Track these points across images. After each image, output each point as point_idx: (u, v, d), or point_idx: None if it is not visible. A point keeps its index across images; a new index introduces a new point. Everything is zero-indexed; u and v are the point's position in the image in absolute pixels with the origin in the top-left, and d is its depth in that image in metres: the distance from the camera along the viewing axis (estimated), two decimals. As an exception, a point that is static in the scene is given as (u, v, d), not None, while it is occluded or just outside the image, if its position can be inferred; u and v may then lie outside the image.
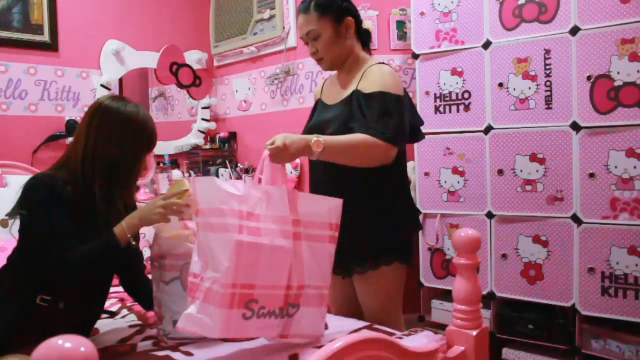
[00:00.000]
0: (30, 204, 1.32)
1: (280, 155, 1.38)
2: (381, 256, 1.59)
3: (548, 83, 2.07)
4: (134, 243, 1.38)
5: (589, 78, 1.97)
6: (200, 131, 3.45)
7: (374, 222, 1.59)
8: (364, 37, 1.70)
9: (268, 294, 1.21)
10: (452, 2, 2.30)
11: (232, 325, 1.16)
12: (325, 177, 1.62)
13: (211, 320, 1.15)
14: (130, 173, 1.45)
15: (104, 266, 1.40)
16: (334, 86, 1.72)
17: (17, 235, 1.40)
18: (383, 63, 1.64)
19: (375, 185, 1.58)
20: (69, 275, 1.30)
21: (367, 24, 2.78)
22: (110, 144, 1.39)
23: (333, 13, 1.59)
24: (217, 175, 3.26)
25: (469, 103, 2.28)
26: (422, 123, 1.74)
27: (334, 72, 1.75)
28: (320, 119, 1.66)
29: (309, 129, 1.71)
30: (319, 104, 1.77)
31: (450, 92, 2.33)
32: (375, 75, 1.57)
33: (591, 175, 1.99)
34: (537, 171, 2.12)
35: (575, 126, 2.01)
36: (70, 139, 2.57)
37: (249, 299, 1.18)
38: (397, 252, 1.61)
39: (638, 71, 1.88)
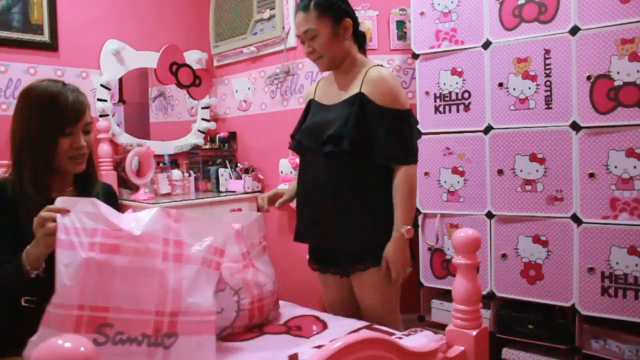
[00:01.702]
0: None
1: (402, 268, 1.61)
2: (379, 255, 1.60)
3: (548, 83, 2.07)
4: (35, 274, 1.21)
5: (589, 78, 1.97)
6: (200, 131, 3.45)
7: (372, 221, 1.60)
8: (360, 40, 1.72)
9: (128, 319, 1.08)
10: (452, 2, 2.30)
11: None
12: (324, 179, 1.63)
13: None
14: (41, 156, 1.33)
15: (11, 291, 1.25)
16: (330, 87, 1.72)
17: None
18: (381, 65, 1.66)
19: (374, 186, 1.59)
20: None
21: (367, 24, 2.79)
22: (20, 125, 1.33)
23: (332, 13, 1.59)
24: (217, 175, 3.26)
25: (469, 103, 2.28)
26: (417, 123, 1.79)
27: (328, 73, 1.76)
28: (320, 120, 1.67)
29: (308, 130, 1.71)
30: (312, 104, 1.77)
31: (450, 92, 2.33)
32: (380, 84, 1.58)
33: (591, 175, 1.99)
34: (537, 171, 2.12)
35: (575, 126, 2.01)
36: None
37: (100, 323, 1.05)
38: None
39: (638, 71, 1.88)
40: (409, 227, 1.57)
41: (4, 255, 1.23)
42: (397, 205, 1.58)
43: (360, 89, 1.59)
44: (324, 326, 1.59)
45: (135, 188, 2.99)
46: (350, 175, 1.61)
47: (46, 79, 1.39)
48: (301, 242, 1.79)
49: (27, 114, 1.33)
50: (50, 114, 1.32)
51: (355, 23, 1.67)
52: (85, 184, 1.45)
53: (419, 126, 2.38)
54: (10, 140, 1.36)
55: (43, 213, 1.14)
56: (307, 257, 1.85)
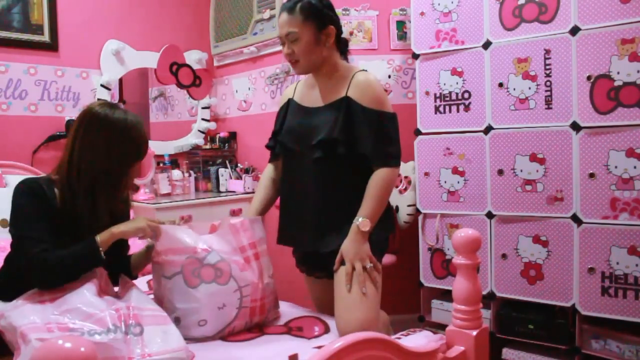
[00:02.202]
0: (12, 208, 1.36)
1: (360, 262, 1.54)
2: (374, 252, 1.59)
3: (548, 83, 2.07)
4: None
5: (589, 78, 1.97)
6: (200, 131, 3.45)
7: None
8: (342, 47, 1.71)
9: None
10: (452, 2, 2.30)
11: None
12: (314, 183, 1.63)
13: None
14: (117, 181, 1.43)
15: (81, 272, 1.37)
16: (311, 89, 1.72)
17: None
18: (366, 70, 1.67)
19: (363, 189, 1.59)
20: (40, 276, 1.31)
21: (367, 24, 2.79)
22: (95, 152, 1.38)
23: (317, 19, 1.59)
24: (217, 175, 3.26)
25: (469, 103, 2.28)
26: None
27: (307, 76, 1.75)
28: (306, 124, 1.66)
29: (292, 132, 1.70)
30: (291, 105, 1.76)
31: (450, 92, 2.33)
32: (366, 88, 1.59)
33: (591, 175, 1.99)
34: (537, 171, 2.12)
35: (575, 126, 2.01)
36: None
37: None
38: (378, 251, 1.62)
39: (638, 71, 1.88)
40: (365, 219, 1.54)
41: (46, 238, 1.32)
42: (363, 200, 1.57)
43: (347, 93, 1.60)
44: (326, 328, 1.59)
45: (135, 188, 2.98)
46: (340, 179, 1.61)
47: (109, 105, 1.45)
48: (286, 245, 1.78)
49: (93, 142, 1.38)
50: (134, 148, 1.42)
51: (339, 31, 1.67)
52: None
53: (419, 127, 2.41)
54: (63, 150, 1.41)
55: (153, 224, 1.46)
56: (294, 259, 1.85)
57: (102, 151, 1.38)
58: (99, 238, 1.37)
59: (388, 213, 1.68)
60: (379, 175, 1.57)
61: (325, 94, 1.66)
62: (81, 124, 1.41)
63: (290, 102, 1.77)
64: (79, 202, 1.37)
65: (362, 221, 1.54)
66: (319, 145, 1.59)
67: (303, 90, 1.76)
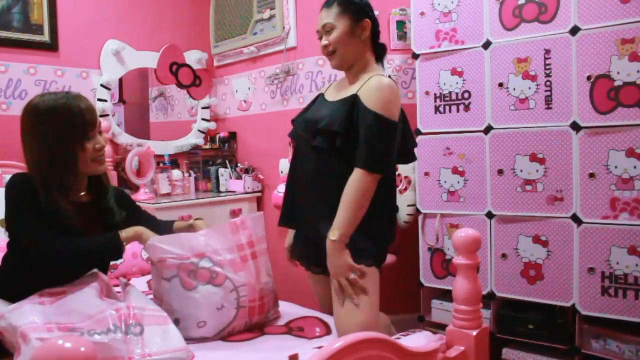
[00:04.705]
0: (11, 202, 1.35)
1: (343, 275, 1.53)
2: (361, 258, 1.56)
3: (548, 83, 2.07)
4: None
5: (589, 78, 1.97)
6: (200, 131, 3.45)
7: (361, 226, 1.56)
8: (379, 51, 1.72)
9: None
10: (452, 2, 2.30)
11: None
12: (310, 171, 1.65)
13: None
14: (65, 169, 1.37)
15: (94, 263, 1.40)
16: (338, 85, 1.77)
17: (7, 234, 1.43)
18: (389, 76, 1.66)
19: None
20: (59, 266, 1.35)
21: (367, 24, 2.79)
22: (31, 146, 1.38)
23: (353, 12, 1.63)
24: (217, 175, 3.26)
25: (469, 103, 2.28)
26: (415, 145, 1.77)
27: (344, 74, 1.77)
28: (316, 113, 1.69)
29: (303, 120, 1.73)
30: (319, 98, 1.81)
31: (450, 92, 2.33)
32: (374, 89, 1.57)
33: (591, 175, 1.99)
34: (537, 171, 2.12)
35: (575, 126, 2.01)
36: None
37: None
38: (375, 257, 1.60)
39: (638, 71, 1.88)
40: (334, 230, 1.50)
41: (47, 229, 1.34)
42: (339, 207, 1.53)
43: (358, 91, 1.61)
44: (327, 328, 1.60)
45: (135, 188, 2.99)
46: (337, 171, 1.60)
47: (45, 93, 1.43)
48: (284, 227, 1.79)
49: (44, 132, 1.36)
50: (69, 124, 1.35)
51: (376, 29, 1.68)
52: (100, 187, 1.51)
53: (419, 127, 2.41)
54: (28, 159, 1.40)
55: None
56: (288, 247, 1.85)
57: (35, 143, 1.38)
58: (123, 234, 1.42)
59: (384, 221, 1.65)
60: (353, 179, 1.53)
61: (336, 91, 1.70)
62: (22, 120, 1.41)
63: (319, 96, 1.81)
64: (41, 200, 1.34)
65: (331, 232, 1.51)
66: (317, 133, 1.60)
67: (334, 86, 1.80)
